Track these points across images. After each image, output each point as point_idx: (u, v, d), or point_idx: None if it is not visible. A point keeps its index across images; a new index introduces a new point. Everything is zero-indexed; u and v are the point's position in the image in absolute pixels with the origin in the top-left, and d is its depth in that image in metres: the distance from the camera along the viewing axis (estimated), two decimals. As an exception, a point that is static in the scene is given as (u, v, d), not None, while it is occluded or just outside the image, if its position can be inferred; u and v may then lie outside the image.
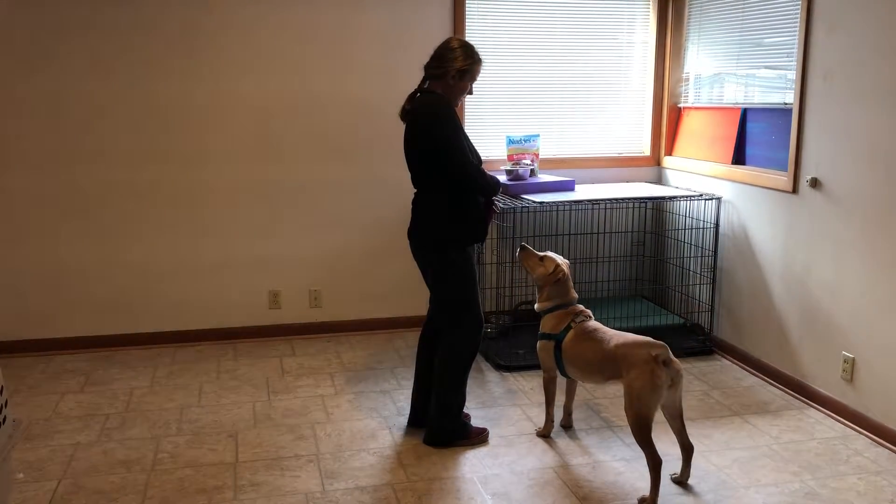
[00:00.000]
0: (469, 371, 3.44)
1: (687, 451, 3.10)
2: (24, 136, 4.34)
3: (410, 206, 3.40)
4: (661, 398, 2.95)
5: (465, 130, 3.35)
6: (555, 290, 3.42)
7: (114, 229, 4.52)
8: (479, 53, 3.28)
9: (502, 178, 4.66)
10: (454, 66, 3.21)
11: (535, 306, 3.49)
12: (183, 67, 4.45)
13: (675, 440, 3.11)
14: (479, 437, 3.45)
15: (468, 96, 3.41)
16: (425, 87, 3.30)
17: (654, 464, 2.92)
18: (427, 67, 3.28)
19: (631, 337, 3.16)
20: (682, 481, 3.10)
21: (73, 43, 4.30)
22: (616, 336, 3.20)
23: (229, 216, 4.66)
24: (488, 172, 3.37)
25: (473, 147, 3.35)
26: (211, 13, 4.43)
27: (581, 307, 3.43)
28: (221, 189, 4.61)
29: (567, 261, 3.53)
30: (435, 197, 3.27)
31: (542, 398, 3.97)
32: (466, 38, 4.72)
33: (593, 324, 3.36)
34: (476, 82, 3.34)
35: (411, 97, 3.29)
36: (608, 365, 3.14)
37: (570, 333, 3.34)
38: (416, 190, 3.38)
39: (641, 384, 2.93)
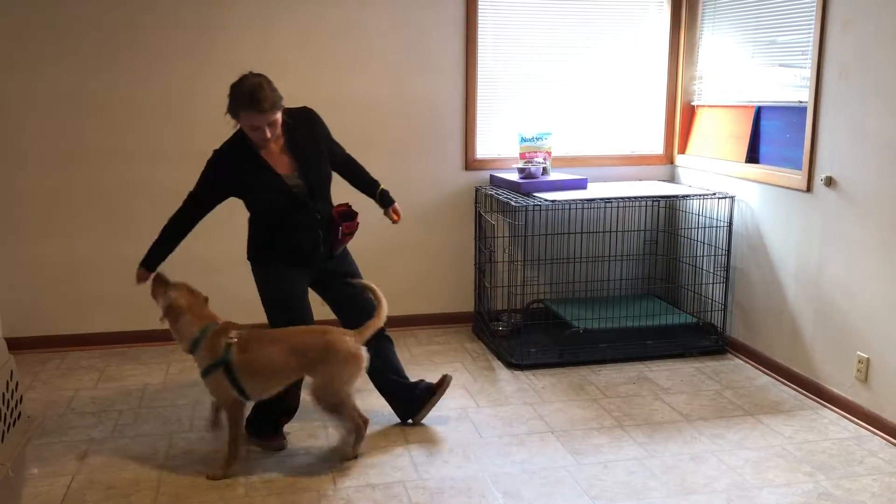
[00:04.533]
0: None
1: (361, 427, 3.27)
2: (39, 134, 4.37)
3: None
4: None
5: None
6: (188, 319, 3.20)
7: (128, 226, 4.54)
8: (249, 100, 3.01)
9: (514, 176, 4.66)
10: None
11: (182, 347, 3.22)
12: (194, 66, 4.46)
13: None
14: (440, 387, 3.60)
15: None
16: None
17: (361, 423, 3.26)
18: None
19: (318, 327, 3.22)
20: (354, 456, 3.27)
21: (87, 42, 4.33)
22: (292, 330, 3.20)
23: (241, 212, 4.66)
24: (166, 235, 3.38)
25: (261, 181, 3.18)
26: (222, 12, 4.44)
27: (224, 320, 3.23)
28: (234, 187, 4.62)
29: (186, 287, 3.31)
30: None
31: (553, 396, 3.98)
32: (480, 38, 4.75)
33: (250, 331, 3.19)
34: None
35: None
36: (302, 358, 3.12)
37: (236, 348, 3.09)
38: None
39: (353, 369, 3.12)
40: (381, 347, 3.47)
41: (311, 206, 3.26)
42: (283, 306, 3.30)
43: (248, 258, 3.39)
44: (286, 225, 3.25)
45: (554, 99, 4.97)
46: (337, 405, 3.16)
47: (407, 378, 3.60)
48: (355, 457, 3.26)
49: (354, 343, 3.16)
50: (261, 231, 3.32)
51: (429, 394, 3.60)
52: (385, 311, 3.29)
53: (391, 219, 3.54)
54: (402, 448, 3.39)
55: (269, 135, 3.09)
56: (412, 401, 3.59)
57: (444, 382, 3.63)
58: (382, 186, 3.53)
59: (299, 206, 3.23)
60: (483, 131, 4.89)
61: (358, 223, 3.41)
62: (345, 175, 3.51)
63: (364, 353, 3.18)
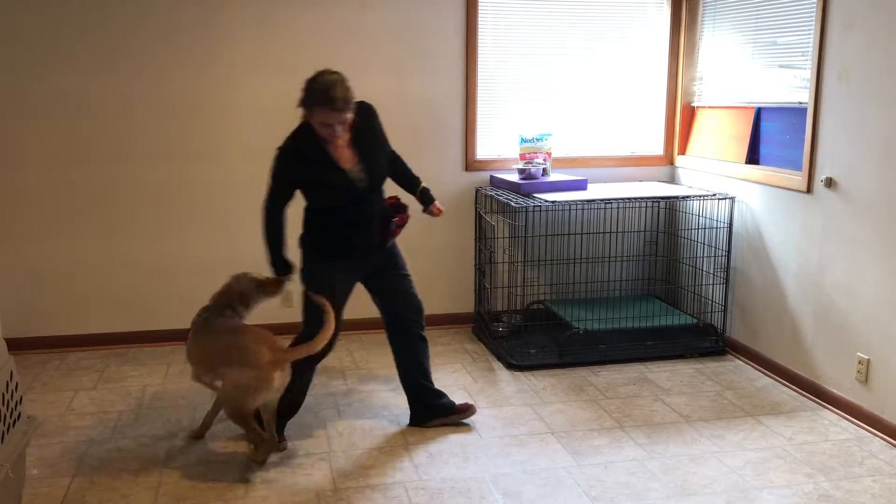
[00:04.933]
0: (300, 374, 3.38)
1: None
2: (39, 135, 4.37)
3: (379, 215, 3.43)
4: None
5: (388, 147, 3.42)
6: None
7: (128, 227, 4.55)
8: (325, 98, 3.04)
9: (514, 177, 4.66)
10: (300, 97, 3.14)
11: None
12: (194, 67, 4.46)
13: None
14: (463, 413, 3.55)
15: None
16: None
17: (268, 438, 3.20)
18: None
19: (258, 332, 3.19)
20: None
21: (87, 43, 4.33)
22: (237, 328, 3.24)
23: (242, 214, 4.67)
24: (272, 237, 3.31)
25: (327, 176, 3.20)
26: (222, 13, 4.44)
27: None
28: (233, 186, 4.62)
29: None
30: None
31: (553, 397, 3.98)
32: (480, 40, 4.75)
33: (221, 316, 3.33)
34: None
35: None
36: (212, 359, 3.18)
37: (196, 326, 3.32)
38: None
39: (256, 384, 3.04)
40: (414, 348, 3.51)
41: (370, 200, 3.28)
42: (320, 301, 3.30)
43: (301, 247, 3.36)
44: (345, 219, 3.26)
45: (554, 100, 4.97)
46: (235, 417, 3.12)
47: (432, 383, 3.60)
48: (261, 462, 3.20)
49: (271, 359, 3.05)
50: (318, 224, 3.31)
51: (447, 410, 3.59)
52: (326, 337, 3.10)
53: (432, 214, 3.57)
54: (401, 448, 3.39)
55: (339, 132, 3.11)
56: (429, 407, 3.58)
57: (468, 409, 3.62)
58: (423, 184, 3.57)
59: (359, 200, 3.25)
60: (483, 132, 4.89)
61: (409, 216, 3.45)
62: (391, 170, 3.49)
63: (279, 373, 3.07)
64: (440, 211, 3.59)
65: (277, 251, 3.32)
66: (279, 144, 3.21)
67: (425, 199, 3.55)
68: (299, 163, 3.17)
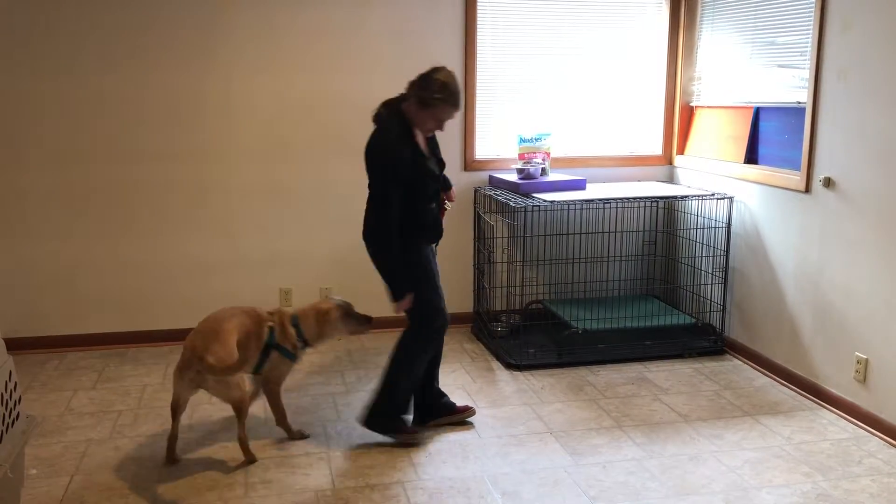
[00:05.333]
0: (414, 371, 3.41)
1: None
2: (38, 136, 4.37)
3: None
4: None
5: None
6: None
7: (127, 227, 4.55)
8: (458, 99, 3.20)
9: (513, 177, 4.67)
10: (417, 91, 3.18)
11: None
12: (196, 67, 4.46)
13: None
14: (404, 437, 3.45)
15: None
16: (400, 99, 3.28)
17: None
18: (409, 82, 3.27)
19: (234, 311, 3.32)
20: None
21: (87, 43, 4.33)
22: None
23: (241, 214, 4.68)
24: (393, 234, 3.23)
25: (425, 167, 3.28)
26: (224, 13, 4.44)
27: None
28: (234, 187, 4.63)
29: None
30: None
31: (552, 396, 3.98)
32: (479, 40, 4.76)
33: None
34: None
35: (384, 103, 3.29)
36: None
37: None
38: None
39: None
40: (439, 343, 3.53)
41: (437, 185, 3.38)
42: (431, 283, 3.36)
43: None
44: (425, 207, 3.32)
45: (553, 100, 4.97)
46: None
47: (437, 383, 3.62)
48: (240, 439, 3.22)
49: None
50: (412, 215, 3.28)
51: (447, 410, 3.60)
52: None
53: (449, 199, 3.61)
54: (400, 448, 3.39)
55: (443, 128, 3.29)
56: (430, 407, 3.59)
57: (467, 410, 3.64)
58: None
59: (435, 188, 3.36)
60: (482, 132, 4.89)
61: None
62: None
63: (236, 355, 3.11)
64: (453, 198, 3.65)
65: (406, 274, 3.27)
66: (379, 149, 3.17)
67: (445, 183, 3.60)
68: (408, 160, 3.20)
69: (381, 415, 3.41)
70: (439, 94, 3.17)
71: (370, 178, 3.24)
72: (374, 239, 3.23)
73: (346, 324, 3.46)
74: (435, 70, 3.23)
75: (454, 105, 3.21)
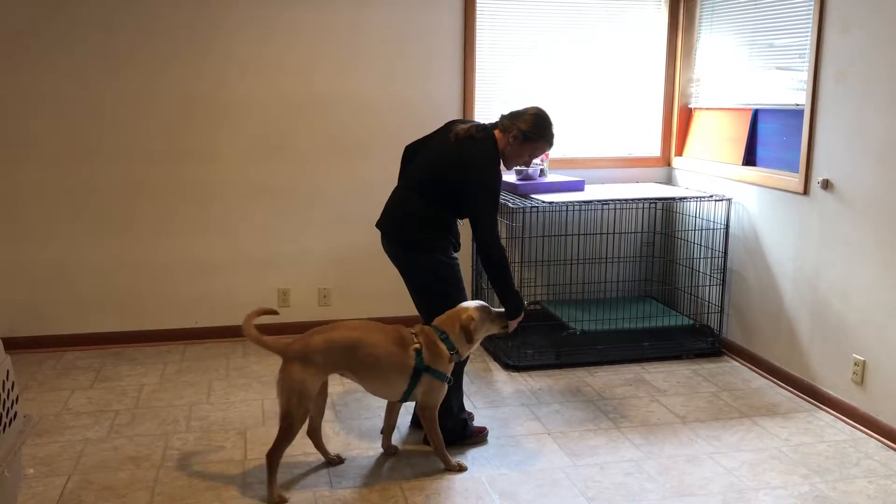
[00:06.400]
0: (463, 368, 3.45)
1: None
2: (36, 135, 4.37)
3: (375, 215, 3.44)
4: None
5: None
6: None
7: (124, 227, 4.54)
8: (552, 136, 3.38)
9: (512, 178, 4.67)
10: (520, 127, 3.29)
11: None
12: (193, 66, 4.46)
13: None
14: (478, 437, 3.45)
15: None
16: (491, 127, 3.36)
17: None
18: (502, 115, 3.40)
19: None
20: None
21: (85, 43, 4.33)
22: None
23: (239, 214, 4.68)
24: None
25: None
26: (221, 12, 4.44)
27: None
28: (231, 187, 4.62)
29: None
30: (433, 208, 3.30)
31: (550, 398, 3.98)
32: (477, 41, 4.76)
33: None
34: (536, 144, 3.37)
35: (477, 127, 3.33)
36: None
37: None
38: (404, 186, 3.40)
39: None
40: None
41: None
42: (461, 288, 3.40)
43: (424, 248, 3.34)
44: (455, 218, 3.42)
45: (551, 101, 4.97)
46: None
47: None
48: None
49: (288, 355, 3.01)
50: (442, 224, 3.35)
51: (460, 438, 3.45)
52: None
53: None
54: (399, 449, 3.39)
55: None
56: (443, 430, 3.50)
57: (481, 434, 3.50)
58: None
59: None
60: (481, 133, 4.88)
61: None
62: None
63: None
64: None
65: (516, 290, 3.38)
66: (494, 169, 3.27)
67: None
68: None
69: (450, 437, 3.34)
70: (541, 128, 3.32)
71: (462, 187, 3.24)
72: (498, 260, 3.28)
73: (492, 323, 3.27)
74: (538, 108, 3.37)
75: (549, 142, 3.40)
